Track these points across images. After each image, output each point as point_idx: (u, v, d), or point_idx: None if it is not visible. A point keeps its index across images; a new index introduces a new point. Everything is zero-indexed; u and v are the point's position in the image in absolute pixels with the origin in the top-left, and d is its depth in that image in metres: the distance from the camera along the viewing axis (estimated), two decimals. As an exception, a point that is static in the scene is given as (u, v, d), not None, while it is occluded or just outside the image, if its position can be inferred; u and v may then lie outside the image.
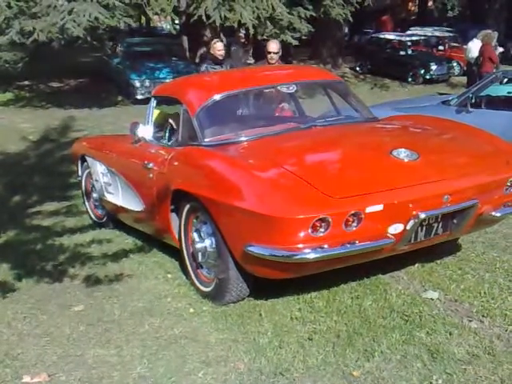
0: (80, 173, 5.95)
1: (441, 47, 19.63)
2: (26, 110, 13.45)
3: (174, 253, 4.39)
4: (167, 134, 4.74)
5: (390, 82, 17.77)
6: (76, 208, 6.30)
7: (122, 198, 4.93)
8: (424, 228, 3.40)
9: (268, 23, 11.63)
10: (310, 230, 3.07)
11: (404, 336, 3.25)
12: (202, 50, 18.54)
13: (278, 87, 4.46)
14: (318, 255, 3.12)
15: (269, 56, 6.64)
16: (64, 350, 3.29)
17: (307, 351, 3.15)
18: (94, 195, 5.61)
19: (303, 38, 22.66)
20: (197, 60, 18.14)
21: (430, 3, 33.52)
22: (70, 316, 3.72)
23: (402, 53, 18.64)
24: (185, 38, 20.10)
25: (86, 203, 5.91)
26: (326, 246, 3.11)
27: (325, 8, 12.69)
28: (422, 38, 20.04)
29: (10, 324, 3.67)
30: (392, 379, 2.88)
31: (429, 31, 21.37)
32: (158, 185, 4.19)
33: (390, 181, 3.36)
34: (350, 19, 13.28)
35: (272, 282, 3.73)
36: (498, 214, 3.58)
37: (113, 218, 5.46)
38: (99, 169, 5.34)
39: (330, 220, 3.06)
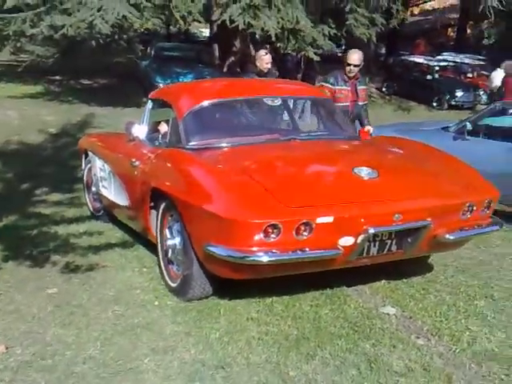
0: (83, 166, 6.21)
1: (469, 74, 19.64)
2: (53, 104, 13.85)
3: (155, 249, 4.58)
4: (159, 136, 4.96)
5: (415, 105, 17.83)
6: (78, 200, 6.52)
7: (114, 192, 5.16)
8: (377, 243, 3.55)
9: (291, 37, 11.83)
10: (262, 235, 3.25)
11: (349, 345, 3.38)
12: (231, 60, 18.92)
13: (264, 99, 4.65)
14: (270, 259, 3.29)
15: (347, 68, 6.09)
16: (28, 326, 3.51)
17: (253, 349, 3.31)
18: (93, 189, 5.85)
19: (339, 54, 23.08)
20: (225, 69, 18.50)
21: (469, 30, 33.45)
22: (42, 297, 3.94)
23: (429, 77, 18.68)
24: (216, 46, 20.50)
25: (86, 196, 6.16)
26: (277, 251, 3.28)
27: (348, 27, 12.87)
28: (451, 64, 20.04)
29: (-14, 300, 3.90)
30: (325, 382, 3.02)
31: (459, 58, 21.38)
32: (141, 182, 4.41)
33: (345, 195, 3.53)
34: (374, 39, 13.41)
35: (237, 285, 3.91)
36: (452, 237, 3.69)
37: (108, 211, 5.69)
38: (97, 163, 5.58)
39: (281, 227, 3.24)
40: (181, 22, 11.37)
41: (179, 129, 4.39)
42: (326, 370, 3.13)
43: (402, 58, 21.39)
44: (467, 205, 3.73)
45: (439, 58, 21.29)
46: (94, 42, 13.14)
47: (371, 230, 3.41)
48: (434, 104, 17.69)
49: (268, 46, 13.93)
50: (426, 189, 3.76)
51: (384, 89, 19.75)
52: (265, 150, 4.22)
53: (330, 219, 3.32)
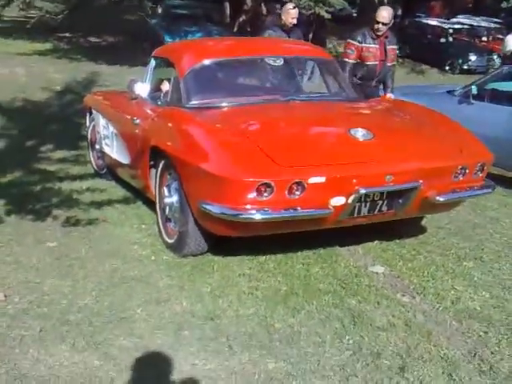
0: (87, 124, 6.28)
1: (484, 38, 19.30)
2: (61, 61, 13.88)
3: (155, 206, 4.68)
4: (161, 95, 5.00)
5: (428, 69, 17.64)
6: (83, 158, 6.60)
7: (115, 150, 5.24)
8: (368, 204, 3.62)
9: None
10: (255, 193, 3.33)
11: (335, 300, 3.51)
12: (242, 19, 18.72)
13: (266, 59, 4.67)
14: (262, 216, 3.38)
15: (376, 26, 5.82)
16: (26, 276, 3.65)
17: (242, 303, 3.43)
18: (97, 146, 5.93)
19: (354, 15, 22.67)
20: (235, 28, 18.32)
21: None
22: (42, 249, 4.08)
23: (443, 40, 18.40)
24: (227, 5, 20.27)
25: (90, 153, 6.24)
26: (269, 209, 3.37)
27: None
28: (466, 27, 19.69)
29: (-14, 251, 4.03)
30: (308, 334, 3.15)
31: (475, 21, 20.97)
32: (141, 140, 4.48)
33: (339, 156, 3.60)
34: (385, 0, 13.18)
35: (232, 242, 4.02)
36: (441, 199, 3.76)
37: (111, 169, 5.79)
38: (101, 121, 5.65)
39: (274, 185, 3.32)
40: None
41: (180, 87, 4.44)
42: (311, 322, 3.26)
43: (416, 20, 21.02)
44: (459, 167, 3.79)
45: (454, 20, 20.92)
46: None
47: (362, 191, 3.48)
48: (447, 68, 17.47)
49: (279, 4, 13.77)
50: (419, 151, 3.81)
51: (397, 51, 19.43)
52: (263, 111, 4.27)
53: (322, 179, 3.39)
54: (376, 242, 4.41)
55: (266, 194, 3.34)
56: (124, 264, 3.90)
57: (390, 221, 4.15)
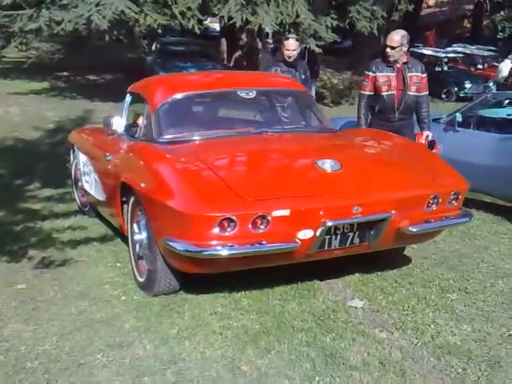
0: (71, 161, 6.23)
1: (480, 66, 19.34)
2: (56, 100, 13.90)
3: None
4: (135, 130, 4.94)
5: (423, 97, 17.60)
6: (69, 195, 6.53)
7: (93, 187, 5.16)
8: (338, 236, 3.49)
9: (292, 30, 11.72)
10: (218, 228, 3.21)
11: (308, 338, 3.35)
12: (238, 54, 18.86)
13: (238, 92, 4.60)
14: (227, 252, 3.26)
15: (385, 51, 5.39)
16: (-12, 322, 3.52)
17: (210, 344, 3.28)
18: (79, 184, 5.86)
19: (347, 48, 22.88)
20: (231, 63, 18.45)
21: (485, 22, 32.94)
22: (9, 293, 3.94)
23: (438, 69, 18.40)
24: (223, 41, 20.46)
25: (74, 191, 6.17)
26: (234, 245, 3.24)
27: (351, 19, 12.72)
28: (461, 55, 19.76)
29: (-48, 295, 3.91)
30: (276, 376, 2.99)
31: (471, 49, 21.06)
32: (113, 176, 4.40)
33: (304, 188, 3.49)
34: (376, 33, 13.22)
35: (207, 278, 3.88)
36: (415, 230, 3.62)
37: (92, 206, 5.70)
38: (81, 158, 5.59)
39: (236, 220, 3.20)
40: (179, 17, 11.27)
41: (151, 122, 4.38)
42: (280, 363, 3.10)
43: (411, 49, 21.10)
44: (431, 196, 3.66)
45: (449, 49, 20.99)
46: (97, 38, 13.21)
47: (329, 223, 3.36)
48: (443, 96, 17.46)
49: (271, 39, 13.83)
50: (389, 181, 3.70)
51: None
52: (233, 144, 4.19)
53: (286, 212, 3.28)
54: (356, 274, 4.27)
55: (229, 229, 3.23)
56: (92, 305, 3.76)
57: (370, 252, 4.02)
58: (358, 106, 5.62)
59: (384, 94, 5.42)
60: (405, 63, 5.43)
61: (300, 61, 6.24)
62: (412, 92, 5.43)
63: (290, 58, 6.04)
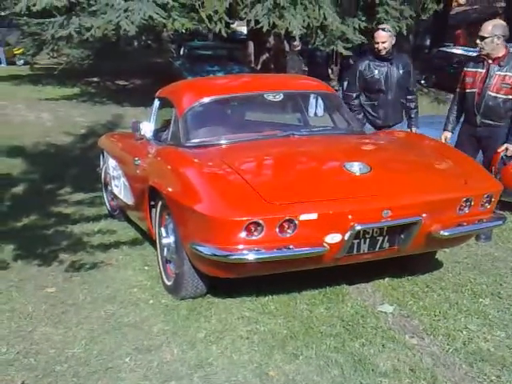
0: (101, 165, 6.29)
1: None
2: (86, 105, 14.11)
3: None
4: (163, 134, 4.96)
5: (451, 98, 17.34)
6: (99, 199, 6.62)
7: (123, 191, 5.20)
8: (368, 240, 3.43)
9: (319, 32, 11.69)
10: (245, 233, 3.19)
11: (337, 344, 3.30)
12: (265, 56, 18.88)
13: (265, 95, 4.58)
14: (254, 256, 3.23)
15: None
16: (19, 325, 3.55)
17: (236, 348, 3.26)
18: (109, 188, 5.92)
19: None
20: (259, 66, 18.47)
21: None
22: (39, 296, 3.99)
23: (467, 68, 18.12)
24: (250, 43, 20.50)
25: (104, 195, 6.23)
26: (261, 249, 3.22)
27: (379, 20, 12.61)
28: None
29: (-14, 299, 3.97)
30: (304, 382, 2.95)
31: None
32: (141, 181, 4.42)
33: (332, 192, 3.43)
34: (404, 32, 13.08)
35: (234, 283, 3.87)
36: (446, 234, 3.53)
37: (122, 210, 5.74)
38: (110, 163, 5.64)
39: (263, 224, 3.17)
40: (206, 21, 11.32)
41: (179, 126, 4.39)
42: (308, 369, 3.06)
43: (441, 49, 20.84)
44: (464, 199, 3.57)
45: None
46: (125, 44, 13.37)
47: (358, 227, 3.31)
48: (473, 95, 17.16)
49: (298, 41, 13.81)
50: (419, 184, 3.62)
51: (423, 81, 19.29)
52: (260, 147, 4.16)
53: (313, 216, 3.24)
54: (386, 278, 4.20)
55: (256, 233, 3.20)
56: (120, 309, 3.78)
57: (402, 256, 3.95)
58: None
59: (467, 91, 4.93)
60: (497, 59, 4.74)
61: (398, 54, 5.75)
62: (493, 93, 4.77)
63: (380, 51, 5.46)
